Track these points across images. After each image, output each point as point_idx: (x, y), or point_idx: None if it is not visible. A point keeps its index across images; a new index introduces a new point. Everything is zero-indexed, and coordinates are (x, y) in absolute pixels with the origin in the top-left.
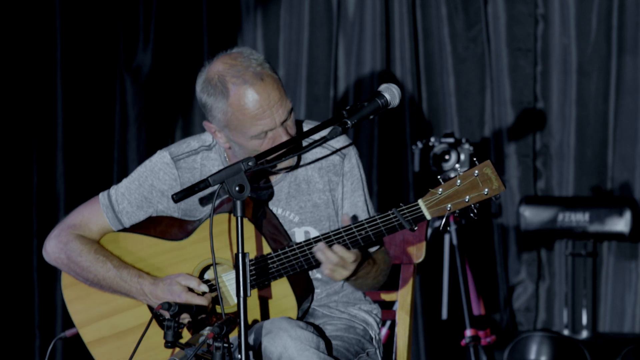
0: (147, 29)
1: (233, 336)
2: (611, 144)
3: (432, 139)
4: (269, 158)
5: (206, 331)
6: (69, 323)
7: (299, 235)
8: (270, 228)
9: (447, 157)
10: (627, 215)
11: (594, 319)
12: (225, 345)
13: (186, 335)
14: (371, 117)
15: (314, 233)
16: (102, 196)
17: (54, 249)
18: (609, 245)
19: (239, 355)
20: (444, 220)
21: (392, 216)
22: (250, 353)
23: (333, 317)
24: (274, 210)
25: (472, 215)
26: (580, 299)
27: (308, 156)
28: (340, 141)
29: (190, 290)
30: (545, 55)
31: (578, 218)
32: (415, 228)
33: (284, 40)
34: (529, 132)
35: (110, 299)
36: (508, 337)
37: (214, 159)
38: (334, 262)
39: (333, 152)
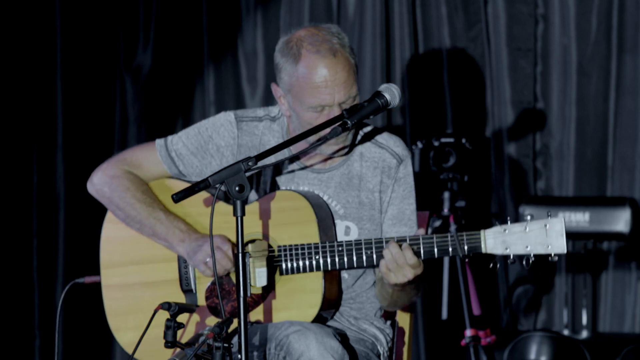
0: (147, 29)
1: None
2: (611, 144)
3: (432, 139)
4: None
5: (206, 331)
6: (68, 324)
7: (339, 229)
8: (323, 218)
9: (447, 157)
10: (627, 215)
11: (594, 319)
12: (225, 345)
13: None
14: (371, 117)
15: (354, 229)
16: (159, 139)
17: (100, 180)
18: (609, 245)
19: (240, 356)
20: (496, 259)
21: (450, 238)
22: (273, 346)
23: (343, 328)
24: (320, 195)
25: (524, 264)
26: (580, 299)
27: (366, 153)
28: (400, 146)
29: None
30: (545, 55)
31: (578, 218)
32: (466, 260)
33: None
34: (529, 132)
35: (145, 247)
36: (508, 337)
37: (276, 130)
38: (399, 262)
39: (391, 155)
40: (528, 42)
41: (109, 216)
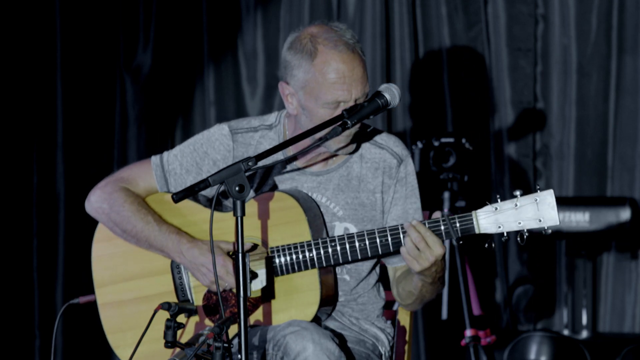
0: (147, 29)
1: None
2: (611, 144)
3: (432, 139)
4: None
5: (206, 331)
6: (68, 324)
7: (338, 230)
8: (314, 217)
9: (447, 157)
10: (627, 215)
11: (594, 319)
12: (225, 345)
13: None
14: (371, 117)
15: (353, 231)
16: (154, 156)
17: (97, 198)
18: (609, 245)
19: (240, 356)
20: (490, 238)
21: (441, 222)
22: (271, 346)
23: (344, 328)
24: (319, 197)
25: (518, 240)
26: (580, 299)
27: (366, 154)
28: (399, 146)
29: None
30: (545, 55)
31: (578, 218)
32: (461, 242)
33: (283, 40)
34: (529, 132)
35: (136, 262)
36: (508, 337)
37: (272, 138)
38: (420, 246)
39: (391, 155)
40: (528, 42)
41: (97, 235)
